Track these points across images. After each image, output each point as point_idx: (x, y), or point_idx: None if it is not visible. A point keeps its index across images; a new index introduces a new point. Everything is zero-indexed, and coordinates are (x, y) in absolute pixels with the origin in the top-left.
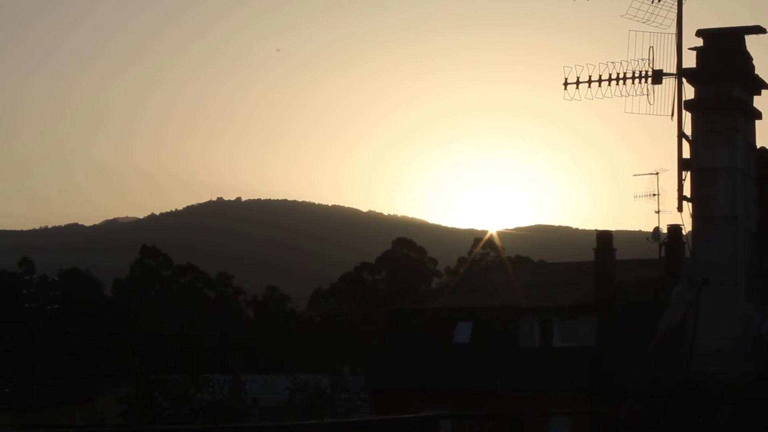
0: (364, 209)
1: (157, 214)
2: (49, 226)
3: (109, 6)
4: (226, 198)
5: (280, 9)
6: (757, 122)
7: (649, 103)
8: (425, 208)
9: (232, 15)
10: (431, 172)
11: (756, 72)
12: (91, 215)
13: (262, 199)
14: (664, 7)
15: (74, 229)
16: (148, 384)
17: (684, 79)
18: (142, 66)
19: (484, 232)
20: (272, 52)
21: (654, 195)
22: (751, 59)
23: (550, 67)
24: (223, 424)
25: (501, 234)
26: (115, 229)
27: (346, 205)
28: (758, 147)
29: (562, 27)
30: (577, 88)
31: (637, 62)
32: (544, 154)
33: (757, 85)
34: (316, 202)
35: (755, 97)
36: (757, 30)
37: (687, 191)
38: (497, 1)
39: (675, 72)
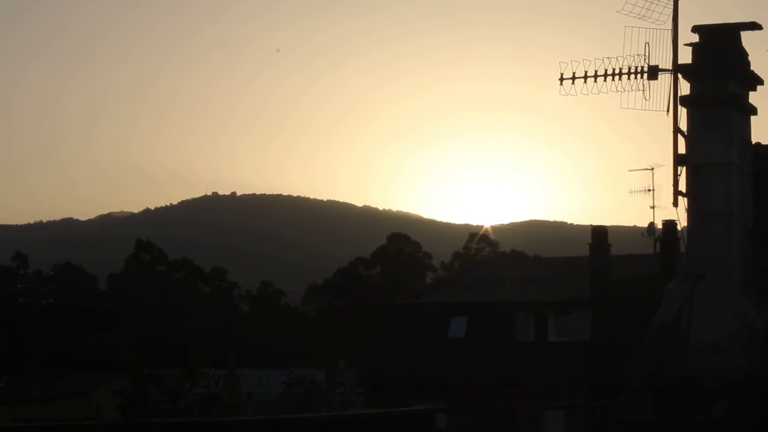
0: (360, 204)
1: (152, 208)
2: (44, 221)
3: (105, 2)
4: (221, 193)
5: (277, 5)
6: (753, 118)
7: (645, 98)
8: (421, 204)
9: (230, 10)
10: (427, 168)
11: (751, 68)
12: (85, 209)
13: (257, 193)
14: (660, 3)
15: (69, 224)
16: (144, 378)
17: (680, 75)
18: (138, 61)
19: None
20: (270, 48)
21: (649, 190)
22: (747, 55)
23: (545, 63)
24: (218, 418)
25: (496, 229)
26: (109, 224)
27: (341, 200)
28: (753, 142)
29: (558, 23)
30: (573, 83)
31: (632, 58)
32: (540, 149)
33: (753, 81)
34: (312, 197)
35: (751, 93)
36: (753, 26)
37: (682, 186)
38: None
39: (671, 68)
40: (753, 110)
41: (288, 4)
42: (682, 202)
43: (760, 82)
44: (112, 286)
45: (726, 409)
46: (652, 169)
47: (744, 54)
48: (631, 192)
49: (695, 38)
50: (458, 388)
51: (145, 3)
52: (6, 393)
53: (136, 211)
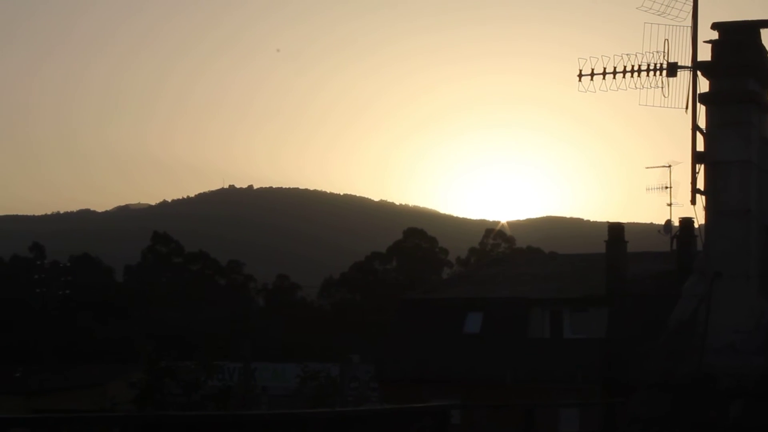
0: (376, 198)
1: (169, 201)
2: (61, 212)
3: None
4: (238, 186)
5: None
6: None
7: (664, 95)
8: (437, 199)
9: (246, 5)
10: (444, 164)
11: None
12: (103, 201)
13: (274, 187)
14: (679, 0)
15: (86, 215)
16: (160, 370)
17: (699, 72)
18: (156, 54)
19: (496, 223)
20: (288, 42)
21: (666, 188)
22: (767, 52)
23: (564, 59)
24: (233, 411)
25: (512, 225)
26: (126, 216)
27: (357, 194)
28: None
29: (577, 19)
30: (592, 79)
31: (652, 54)
32: (557, 146)
33: None
34: (328, 191)
35: None
36: None
37: (700, 184)
38: None
39: (690, 65)
40: None
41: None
42: (700, 199)
43: None
44: (128, 277)
45: (742, 408)
46: (670, 166)
47: (763, 51)
48: (648, 189)
49: (715, 35)
50: (473, 384)
51: None
52: (22, 383)
53: (153, 203)
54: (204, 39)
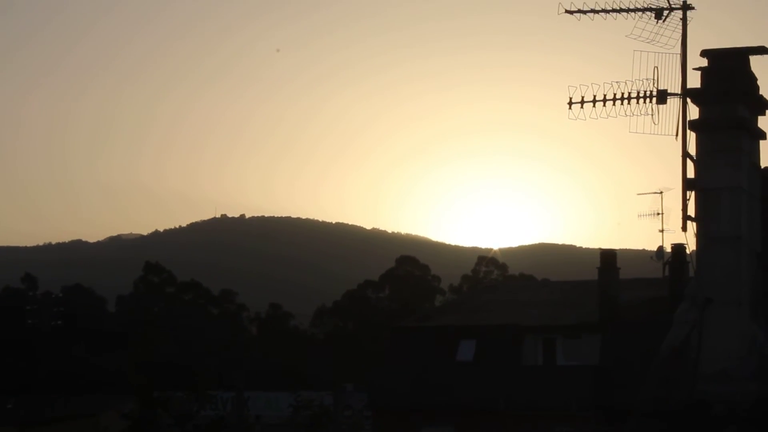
0: (368, 227)
1: (161, 230)
2: (53, 243)
3: (114, 26)
4: (230, 215)
5: (284, 28)
6: (762, 142)
7: (654, 123)
8: (429, 226)
9: (238, 33)
10: (436, 191)
11: (760, 92)
12: (95, 232)
13: (266, 216)
14: (668, 28)
15: (78, 246)
16: (152, 401)
17: (689, 99)
18: (146, 84)
19: (488, 250)
20: (279, 68)
21: (658, 214)
22: (756, 79)
23: (555, 86)
24: None
25: (504, 252)
26: (118, 246)
27: (350, 222)
28: (763, 167)
29: (567, 46)
30: (582, 107)
31: (641, 82)
32: (549, 173)
33: (762, 106)
34: (320, 219)
35: (760, 118)
36: (762, 50)
37: (692, 211)
38: (503, 21)
39: (680, 92)
40: (762, 135)
41: (296, 27)
42: (691, 226)
43: None
44: (121, 308)
45: None
46: (661, 192)
47: (753, 78)
48: (639, 216)
49: (704, 62)
50: (467, 412)
51: (152, 26)
52: (14, 414)
53: (145, 233)
54: (194, 69)
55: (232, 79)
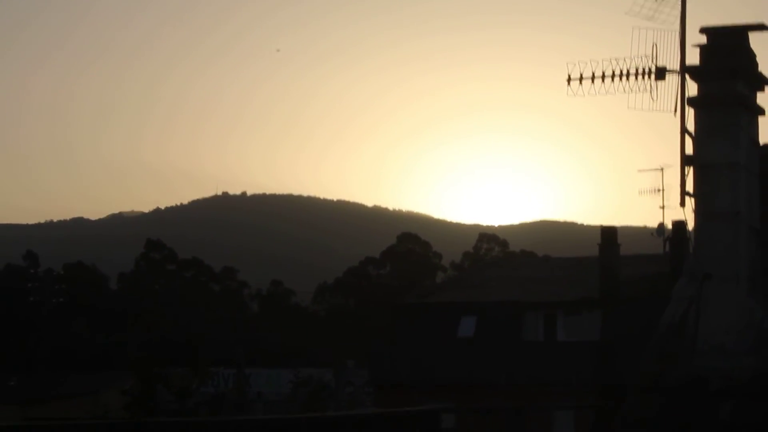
0: (369, 204)
1: (162, 208)
2: (54, 220)
3: (116, 3)
4: (231, 192)
5: (286, 6)
6: (761, 118)
7: (653, 99)
8: (431, 204)
9: (240, 12)
10: (437, 169)
11: (759, 69)
12: (96, 209)
13: (267, 193)
14: (667, 5)
15: (79, 223)
16: (151, 377)
17: (687, 76)
18: (149, 62)
19: (489, 227)
20: (282, 47)
21: (658, 190)
22: (755, 56)
23: (554, 64)
24: (220, 417)
25: (505, 229)
26: (120, 223)
27: (351, 200)
28: (761, 143)
29: (566, 24)
30: (581, 84)
31: (640, 59)
32: (550, 150)
33: (760, 82)
34: (322, 197)
35: (759, 94)
36: (761, 27)
37: (690, 187)
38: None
39: (678, 69)
40: (760, 111)
41: (298, 5)
42: (690, 202)
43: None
44: (122, 285)
45: (733, 409)
46: (662, 169)
47: (752, 55)
48: (640, 192)
49: (703, 39)
50: (468, 388)
51: (155, 5)
52: (17, 392)
53: (146, 210)
54: (196, 49)
55: (234, 59)
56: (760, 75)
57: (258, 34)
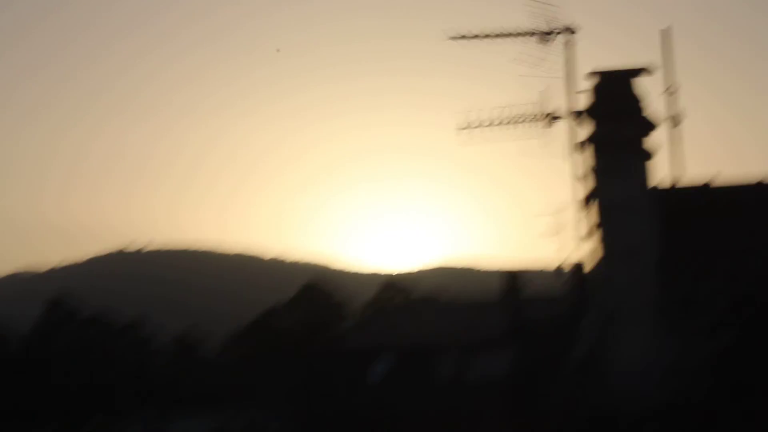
0: (267, 257)
1: (58, 268)
2: None
3: (12, 59)
4: (126, 250)
5: (186, 58)
6: (651, 161)
7: (542, 146)
8: (329, 254)
9: (142, 63)
10: (333, 218)
11: (653, 108)
12: None
13: (164, 249)
14: (553, 52)
15: None
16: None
17: (576, 120)
18: (49, 118)
19: (389, 275)
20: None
21: (557, 232)
22: (640, 100)
23: (448, 109)
24: None
25: (405, 276)
26: (17, 283)
27: (248, 254)
28: (654, 185)
29: (456, 71)
30: (473, 131)
31: (528, 106)
32: (447, 193)
33: (648, 126)
34: (218, 252)
35: (653, 134)
36: (645, 71)
37: (588, 227)
38: (394, 47)
39: (566, 114)
40: (648, 154)
41: (195, 57)
42: (589, 242)
43: (654, 126)
44: (24, 346)
45: None
46: (560, 211)
47: (638, 99)
48: (539, 235)
49: (590, 83)
50: None
51: (52, 63)
52: None
53: (41, 270)
54: (98, 101)
55: (135, 110)
56: (646, 119)
57: (159, 82)
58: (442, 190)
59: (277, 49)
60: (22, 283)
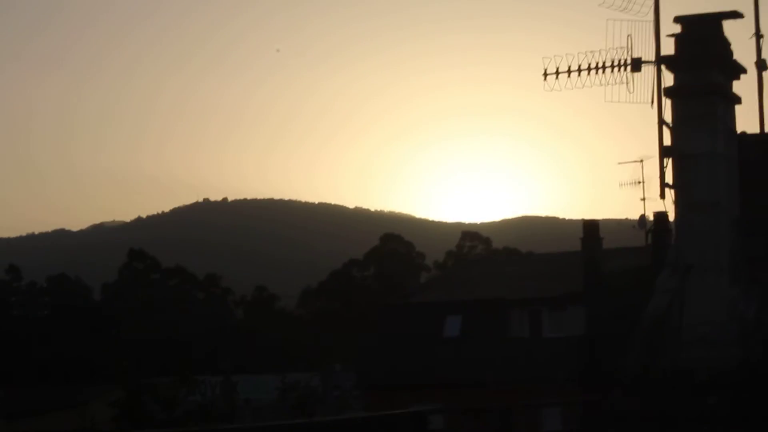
0: (351, 206)
1: (144, 217)
2: (36, 233)
3: (114, 17)
4: (212, 199)
5: (286, 8)
6: (738, 107)
7: (629, 91)
8: (413, 205)
9: (235, 17)
10: (419, 171)
11: (735, 56)
12: (77, 220)
13: (249, 198)
14: None
15: (61, 235)
16: (138, 388)
17: (663, 66)
18: (147, 73)
19: (472, 225)
20: (270, 53)
21: (638, 183)
22: (729, 44)
23: (530, 66)
24: (212, 426)
25: (487, 226)
26: (102, 234)
27: (333, 203)
28: (739, 131)
29: (540, 19)
30: (557, 78)
31: (615, 51)
32: (528, 150)
33: (736, 70)
34: (303, 200)
35: (735, 82)
36: (734, 15)
37: (670, 178)
38: (480, 3)
39: (654, 59)
40: (737, 99)
41: (295, 8)
42: (670, 193)
43: (743, 70)
44: (106, 295)
45: (718, 400)
46: (642, 161)
47: (726, 43)
48: (621, 185)
49: (678, 29)
50: (455, 388)
51: (111, 20)
52: (2, 406)
53: (127, 220)
54: (195, 55)
55: (227, 63)
56: (735, 63)
57: (255, 39)
58: (523, 146)
59: (276, 48)
60: (108, 232)
